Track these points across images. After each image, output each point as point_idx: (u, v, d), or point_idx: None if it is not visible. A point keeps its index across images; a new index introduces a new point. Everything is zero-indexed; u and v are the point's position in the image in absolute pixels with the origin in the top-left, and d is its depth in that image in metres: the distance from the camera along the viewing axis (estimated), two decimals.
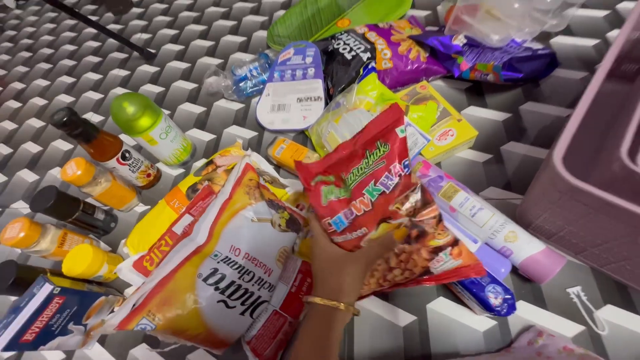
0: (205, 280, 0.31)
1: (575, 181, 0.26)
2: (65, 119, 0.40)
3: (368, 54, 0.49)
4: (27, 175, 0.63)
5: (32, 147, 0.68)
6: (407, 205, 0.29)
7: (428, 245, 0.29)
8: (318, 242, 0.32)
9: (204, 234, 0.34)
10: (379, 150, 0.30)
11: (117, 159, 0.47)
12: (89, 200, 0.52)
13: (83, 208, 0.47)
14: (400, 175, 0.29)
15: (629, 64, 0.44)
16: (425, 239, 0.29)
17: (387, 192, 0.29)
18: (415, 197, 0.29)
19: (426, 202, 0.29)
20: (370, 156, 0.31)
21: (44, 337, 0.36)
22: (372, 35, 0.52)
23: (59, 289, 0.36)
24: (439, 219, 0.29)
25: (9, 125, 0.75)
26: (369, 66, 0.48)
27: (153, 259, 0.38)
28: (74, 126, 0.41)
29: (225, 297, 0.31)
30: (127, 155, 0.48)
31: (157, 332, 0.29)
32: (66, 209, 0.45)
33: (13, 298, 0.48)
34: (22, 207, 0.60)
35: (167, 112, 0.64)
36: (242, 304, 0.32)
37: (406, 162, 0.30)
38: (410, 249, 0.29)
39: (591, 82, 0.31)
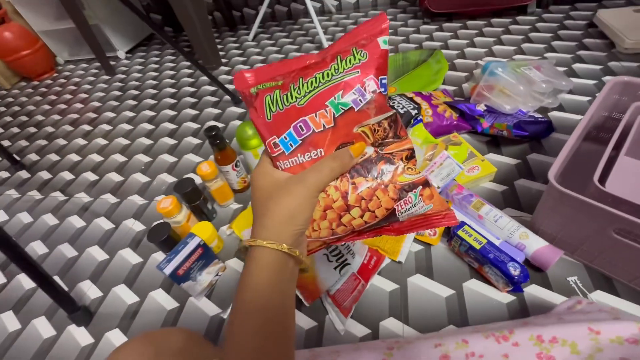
0: None
1: (561, 188, 0.42)
2: (214, 132, 0.60)
3: (416, 110, 0.70)
4: (166, 177, 0.81)
5: (169, 158, 0.86)
6: (377, 132, 0.25)
7: (396, 181, 0.25)
8: (259, 167, 0.27)
9: None
10: (354, 57, 0.25)
11: (232, 166, 0.65)
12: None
13: (202, 198, 0.64)
14: (374, 92, 0.25)
15: (604, 134, 0.62)
16: (394, 174, 0.25)
17: (356, 109, 0.25)
18: (387, 125, 0.25)
19: (398, 135, 0.26)
20: (341, 62, 0.25)
21: (185, 277, 0.50)
22: (418, 99, 0.73)
23: (203, 241, 0.51)
24: (411, 155, 0.26)
25: (146, 141, 0.95)
26: (417, 118, 0.68)
27: None
28: (217, 137, 0.61)
29: (328, 252, 0.46)
30: (238, 164, 0.67)
31: None
32: (194, 196, 0.62)
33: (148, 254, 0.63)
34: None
35: None
36: (337, 260, 0.46)
37: (384, 80, 0.25)
38: (374, 184, 0.25)
39: (570, 137, 0.49)
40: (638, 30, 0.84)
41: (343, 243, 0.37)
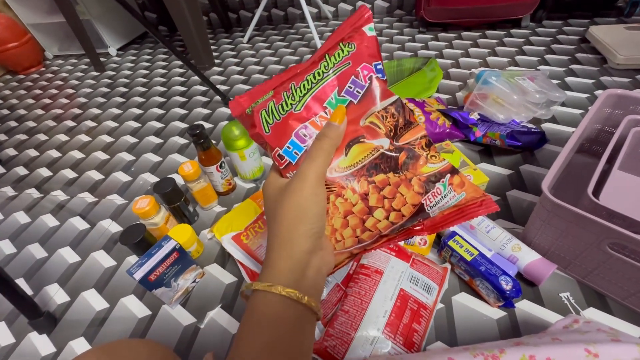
0: None
1: (555, 199, 0.40)
2: (198, 131, 0.57)
3: None
4: (149, 177, 0.77)
5: (153, 157, 0.83)
6: (386, 119, 0.23)
7: (420, 173, 0.23)
8: (267, 179, 0.26)
9: None
10: (342, 51, 0.24)
11: (217, 167, 0.63)
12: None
13: (183, 199, 0.61)
14: (370, 78, 0.23)
15: (597, 146, 0.61)
16: (417, 165, 0.23)
17: (355, 102, 0.23)
18: (395, 110, 0.24)
19: (408, 120, 0.24)
20: (330, 59, 0.24)
21: (158, 283, 0.46)
22: (411, 105, 0.71)
23: (179, 245, 0.48)
24: (430, 141, 0.24)
25: (131, 139, 0.91)
26: None
27: (249, 235, 0.50)
28: (201, 136, 0.58)
29: None
30: (222, 165, 0.64)
31: None
32: (175, 196, 0.59)
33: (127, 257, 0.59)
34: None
35: None
36: None
37: (379, 66, 0.24)
38: (396, 180, 0.23)
39: (564, 148, 0.47)
40: (629, 47, 0.84)
41: (372, 252, 0.34)
